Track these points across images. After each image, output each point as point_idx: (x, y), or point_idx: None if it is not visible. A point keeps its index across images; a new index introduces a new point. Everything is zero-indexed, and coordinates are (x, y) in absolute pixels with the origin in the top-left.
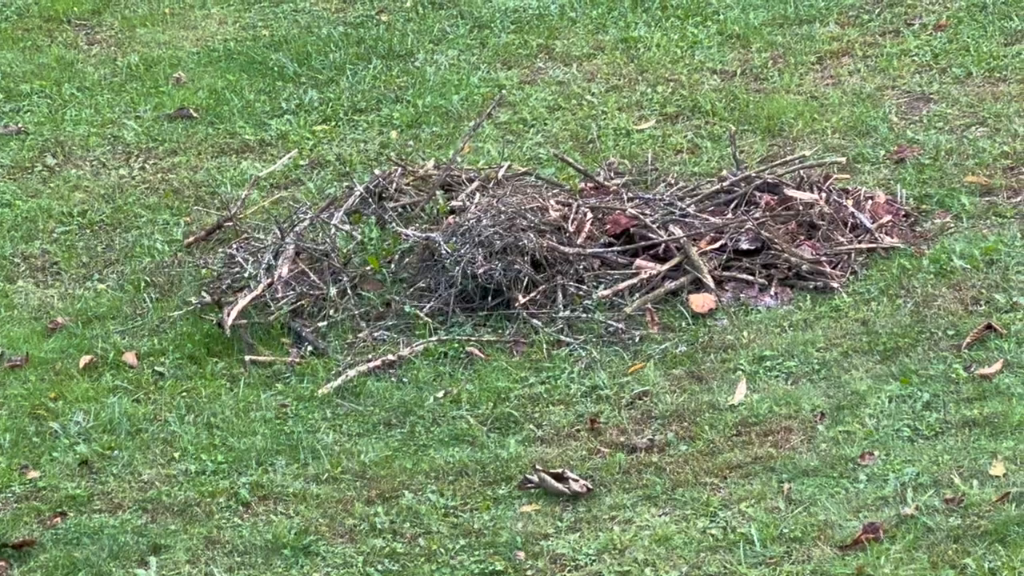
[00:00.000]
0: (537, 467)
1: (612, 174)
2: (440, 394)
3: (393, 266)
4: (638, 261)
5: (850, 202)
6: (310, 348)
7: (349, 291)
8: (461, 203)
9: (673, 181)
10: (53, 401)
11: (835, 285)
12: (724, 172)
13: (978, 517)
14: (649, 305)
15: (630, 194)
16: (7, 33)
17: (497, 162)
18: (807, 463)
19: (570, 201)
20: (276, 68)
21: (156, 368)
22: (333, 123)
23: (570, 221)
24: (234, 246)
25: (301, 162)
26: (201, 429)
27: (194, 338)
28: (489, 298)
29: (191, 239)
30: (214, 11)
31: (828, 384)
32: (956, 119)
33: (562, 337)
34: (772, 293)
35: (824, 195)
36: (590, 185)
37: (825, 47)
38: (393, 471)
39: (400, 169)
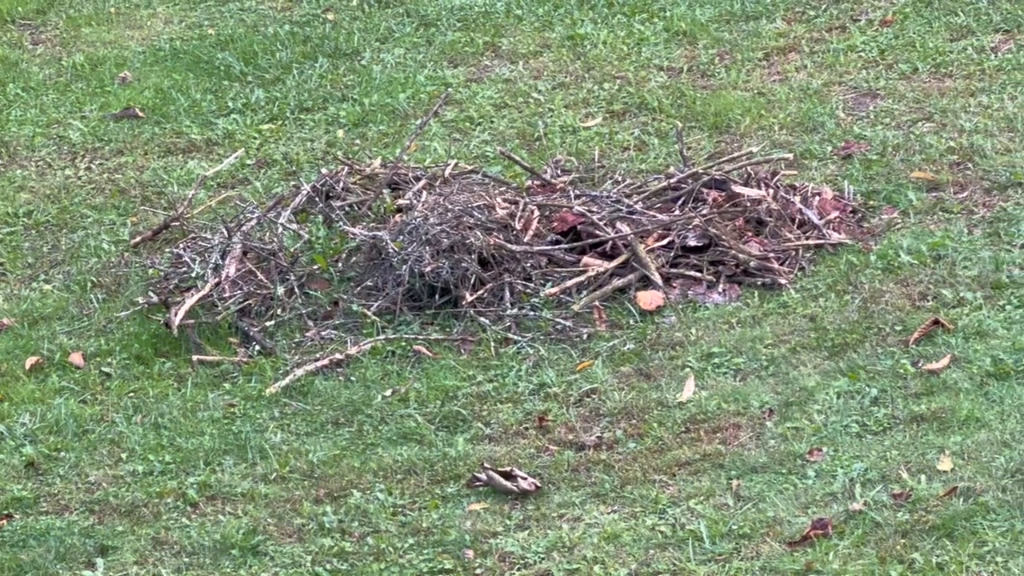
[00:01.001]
0: (485, 465)
1: (559, 172)
2: (388, 393)
3: (340, 265)
4: (585, 259)
5: (798, 198)
6: (258, 347)
7: (296, 290)
8: (408, 201)
9: (620, 178)
10: None
11: (783, 281)
12: (671, 169)
13: (926, 512)
14: (597, 303)
15: (577, 191)
16: None
17: (444, 160)
18: (756, 460)
19: (517, 199)
20: (222, 67)
21: (103, 369)
22: (280, 122)
23: (517, 219)
24: (181, 246)
25: (248, 161)
26: (148, 429)
27: (141, 338)
28: (437, 296)
29: (138, 239)
30: (160, 10)
31: (776, 380)
32: (903, 115)
33: (510, 335)
34: (720, 290)
35: (772, 191)
36: (537, 183)
37: (772, 43)
38: (341, 470)
39: (347, 168)
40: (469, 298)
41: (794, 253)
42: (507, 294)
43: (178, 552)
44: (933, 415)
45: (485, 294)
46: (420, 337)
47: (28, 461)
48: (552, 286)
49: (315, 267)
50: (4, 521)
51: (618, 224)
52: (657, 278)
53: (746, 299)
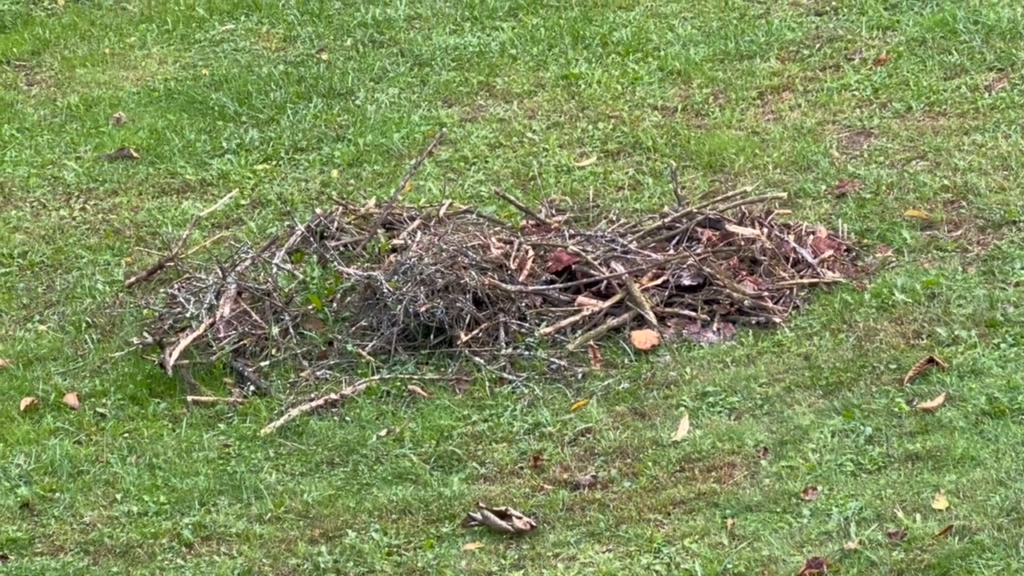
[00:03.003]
0: (480, 505)
1: (553, 211)
2: (383, 433)
3: (335, 305)
4: (580, 298)
5: (792, 237)
6: (252, 388)
7: (291, 330)
8: (403, 241)
9: (615, 218)
10: None
11: (777, 320)
12: (666, 208)
13: (921, 551)
14: (591, 342)
15: (572, 231)
16: None
17: (438, 200)
18: (750, 498)
19: (512, 239)
20: (217, 107)
21: (98, 409)
22: (274, 162)
23: (512, 259)
24: (175, 286)
25: (242, 201)
26: (143, 470)
27: (136, 379)
28: (431, 336)
29: (132, 279)
30: (154, 51)
31: (771, 419)
32: (897, 153)
33: (504, 375)
34: (714, 329)
35: (766, 230)
36: (532, 222)
37: (766, 82)
38: (336, 510)
39: (341, 208)
40: (464, 338)
41: (788, 292)
42: (502, 334)
43: None
44: (928, 454)
45: (480, 334)
46: (415, 377)
47: (23, 502)
48: (547, 325)
49: (310, 307)
50: None
51: (613, 263)
52: (652, 317)
53: (740, 338)
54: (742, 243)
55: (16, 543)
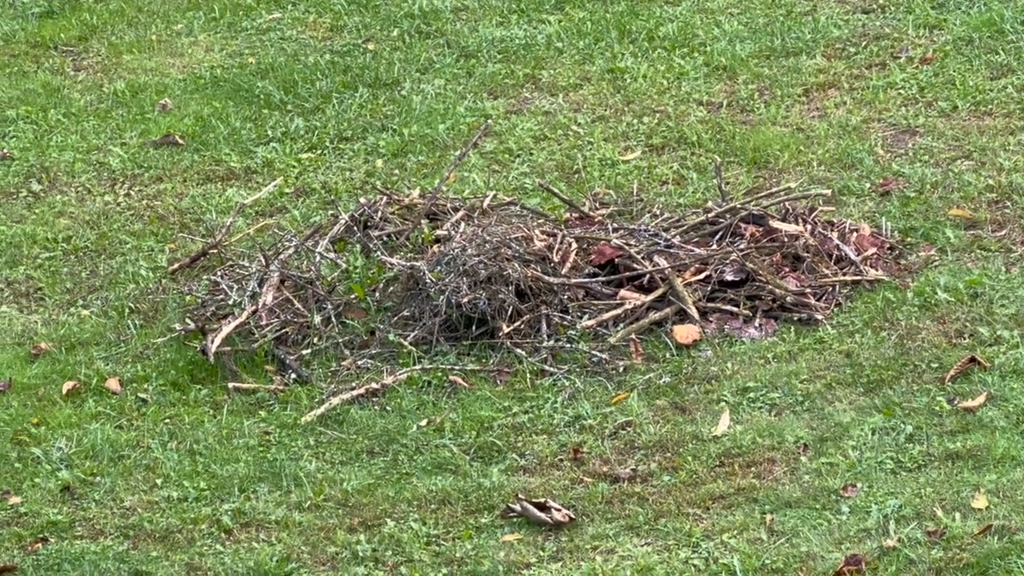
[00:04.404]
0: (520, 496)
1: (597, 204)
2: (423, 423)
3: (378, 294)
4: (622, 291)
5: (835, 234)
6: (294, 376)
7: (333, 319)
8: (446, 232)
9: (658, 212)
10: (36, 427)
11: (819, 317)
12: (709, 203)
13: (960, 550)
14: (633, 336)
15: (615, 224)
16: None
17: (482, 192)
18: (790, 495)
19: (555, 231)
20: (262, 96)
21: (139, 395)
22: (319, 151)
23: (555, 251)
24: (218, 273)
25: (286, 190)
26: (184, 456)
27: (177, 365)
28: (473, 327)
29: (176, 266)
30: (201, 38)
31: (811, 416)
32: (941, 152)
33: (546, 367)
34: (756, 324)
35: (809, 227)
36: (575, 215)
37: (811, 79)
38: (375, 499)
39: (385, 198)
40: (506, 329)
41: (831, 289)
42: (544, 326)
43: None
44: (968, 453)
45: (522, 326)
46: (456, 368)
47: (64, 485)
48: (589, 318)
49: (352, 296)
50: (39, 545)
51: (656, 257)
52: (694, 312)
53: (782, 334)
54: (785, 240)
55: (56, 526)
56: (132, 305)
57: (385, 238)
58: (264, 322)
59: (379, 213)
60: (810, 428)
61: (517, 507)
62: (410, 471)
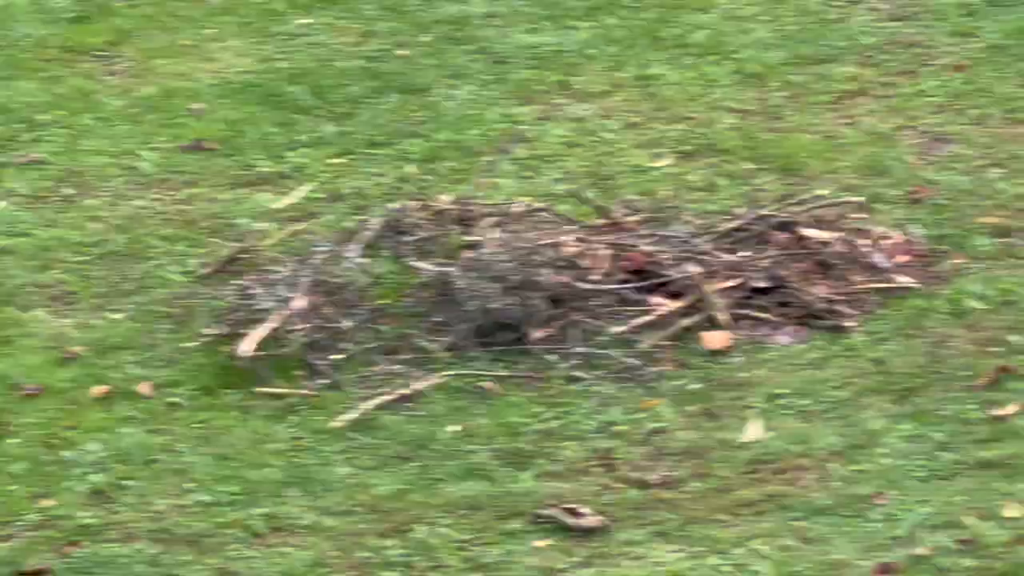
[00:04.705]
0: (550, 502)
1: (628, 211)
2: (455, 428)
3: (409, 300)
4: (653, 298)
5: (865, 242)
6: (324, 381)
7: (364, 325)
8: (477, 238)
9: (689, 219)
10: (67, 430)
11: (849, 324)
12: (740, 210)
13: (992, 559)
14: (664, 342)
15: (646, 231)
16: (26, 63)
17: (513, 198)
18: (820, 502)
19: (586, 238)
20: (293, 101)
21: (170, 399)
22: (350, 156)
23: (586, 257)
24: (249, 278)
25: (317, 195)
26: (215, 460)
27: (208, 369)
28: (504, 333)
29: (206, 270)
30: (232, 43)
31: (842, 423)
32: (973, 160)
33: (577, 373)
34: (787, 331)
35: (839, 234)
36: (606, 222)
37: (842, 87)
38: (406, 504)
39: (416, 203)
40: (537, 335)
41: (861, 296)
42: (575, 332)
43: None
44: (1001, 461)
45: (553, 332)
46: (487, 373)
47: (95, 489)
48: (620, 325)
49: (383, 302)
50: (72, 548)
51: (686, 264)
52: (724, 318)
53: (813, 341)
54: (815, 247)
55: (88, 529)
56: (163, 309)
57: (416, 244)
58: (295, 327)
59: (410, 219)
60: (840, 435)
61: (547, 513)
62: (440, 477)
